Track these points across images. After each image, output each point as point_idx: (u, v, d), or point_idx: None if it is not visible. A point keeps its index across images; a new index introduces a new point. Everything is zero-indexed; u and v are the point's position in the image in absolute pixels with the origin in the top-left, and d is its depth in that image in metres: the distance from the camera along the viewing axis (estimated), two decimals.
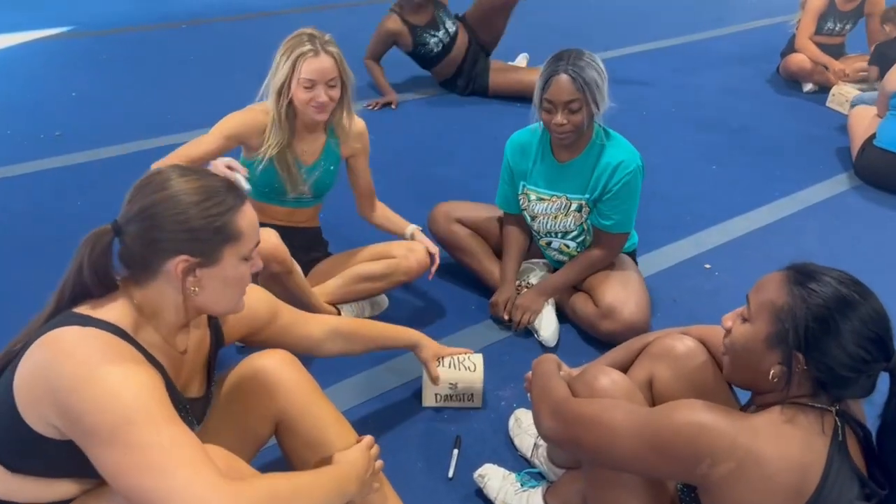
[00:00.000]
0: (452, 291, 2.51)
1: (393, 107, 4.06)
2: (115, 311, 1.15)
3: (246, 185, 1.74)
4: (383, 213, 2.41)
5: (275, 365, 1.44)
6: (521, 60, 4.63)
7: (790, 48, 4.67)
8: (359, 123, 2.22)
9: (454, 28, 4.12)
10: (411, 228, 2.37)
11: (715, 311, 2.49)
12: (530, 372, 1.63)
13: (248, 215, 1.22)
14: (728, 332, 1.27)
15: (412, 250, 2.26)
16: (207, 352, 1.39)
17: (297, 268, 2.06)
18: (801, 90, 4.59)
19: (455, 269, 2.56)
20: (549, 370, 1.51)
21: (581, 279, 2.31)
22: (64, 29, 5.36)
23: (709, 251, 2.82)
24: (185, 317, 1.25)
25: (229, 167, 1.86)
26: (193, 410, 1.31)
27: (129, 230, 1.16)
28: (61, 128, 3.64)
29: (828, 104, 4.33)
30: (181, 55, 4.87)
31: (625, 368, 1.60)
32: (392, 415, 1.96)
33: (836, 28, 4.54)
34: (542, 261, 2.49)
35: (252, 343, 1.54)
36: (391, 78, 4.26)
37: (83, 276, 1.14)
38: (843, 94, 4.24)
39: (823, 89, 4.46)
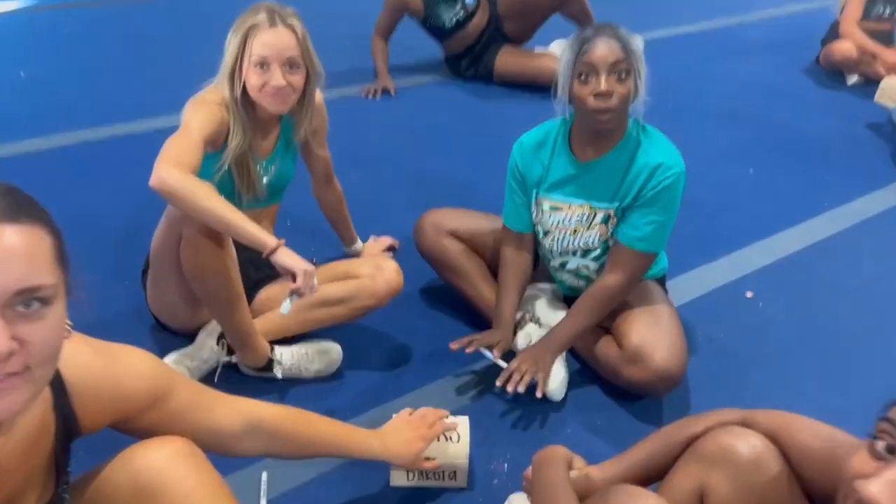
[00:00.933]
0: (439, 322, 2.06)
1: (392, 93, 3.66)
2: None
3: (287, 309, 1.59)
4: (340, 209, 2.20)
5: (164, 461, 1.03)
6: (539, 50, 4.19)
7: (833, 35, 4.18)
8: (315, 96, 1.84)
9: (474, 4, 3.70)
10: (359, 246, 2.25)
11: (761, 352, 2.03)
12: (530, 468, 1.19)
13: None
14: (861, 476, 0.79)
15: (380, 269, 1.83)
16: (52, 445, 0.96)
17: (231, 248, 1.62)
18: (844, 83, 4.10)
19: (442, 293, 2.11)
20: (554, 478, 1.07)
21: (598, 321, 1.83)
22: (26, 3, 4.91)
23: (749, 275, 2.35)
24: None
25: (305, 286, 1.56)
26: None
27: None
28: None
29: (876, 100, 3.81)
30: (154, 32, 4.42)
31: (664, 468, 1.15)
32: (349, 499, 1.51)
33: (887, 13, 4.04)
34: (550, 286, 2.03)
35: (129, 432, 1.09)
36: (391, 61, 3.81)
37: None
38: (894, 88, 3.74)
39: (870, 82, 3.96)
